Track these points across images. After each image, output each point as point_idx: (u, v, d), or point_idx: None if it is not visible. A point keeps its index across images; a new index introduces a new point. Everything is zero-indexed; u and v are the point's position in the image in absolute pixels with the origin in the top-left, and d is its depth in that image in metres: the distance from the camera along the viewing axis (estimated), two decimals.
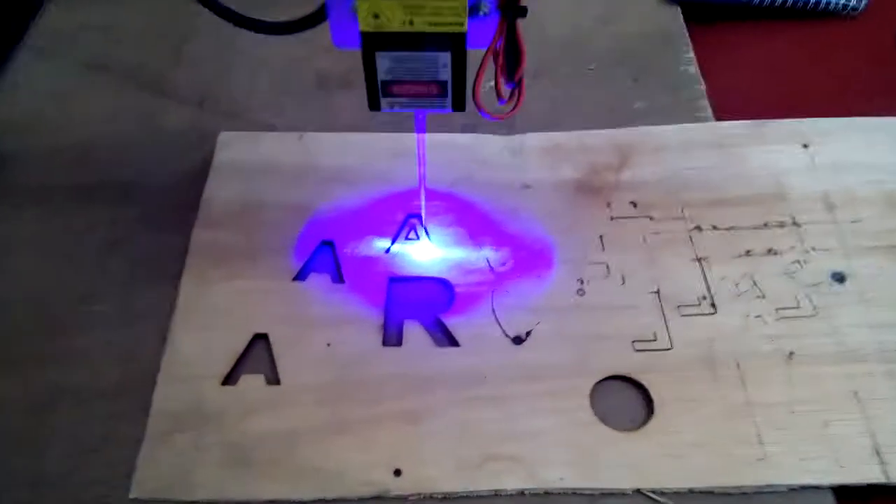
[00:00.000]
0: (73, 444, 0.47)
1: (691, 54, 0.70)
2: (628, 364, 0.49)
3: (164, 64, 0.71)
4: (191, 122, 0.66)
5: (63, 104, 0.68)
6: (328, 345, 0.51)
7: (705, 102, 0.65)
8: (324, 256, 0.56)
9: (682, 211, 0.57)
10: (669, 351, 0.50)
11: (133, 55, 0.72)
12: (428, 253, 0.56)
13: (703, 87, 0.67)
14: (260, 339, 0.51)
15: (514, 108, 0.43)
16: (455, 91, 0.42)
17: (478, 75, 0.41)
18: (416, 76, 0.41)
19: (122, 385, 0.50)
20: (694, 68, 0.68)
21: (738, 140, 0.61)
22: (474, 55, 0.41)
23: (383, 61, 0.40)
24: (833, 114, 0.63)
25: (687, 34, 0.72)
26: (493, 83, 0.42)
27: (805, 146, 0.60)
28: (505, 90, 0.42)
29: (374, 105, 0.42)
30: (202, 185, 0.59)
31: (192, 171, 0.61)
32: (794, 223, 0.56)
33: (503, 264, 0.55)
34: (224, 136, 0.63)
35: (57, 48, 0.73)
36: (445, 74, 0.41)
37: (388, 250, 0.56)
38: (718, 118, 0.64)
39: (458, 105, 0.43)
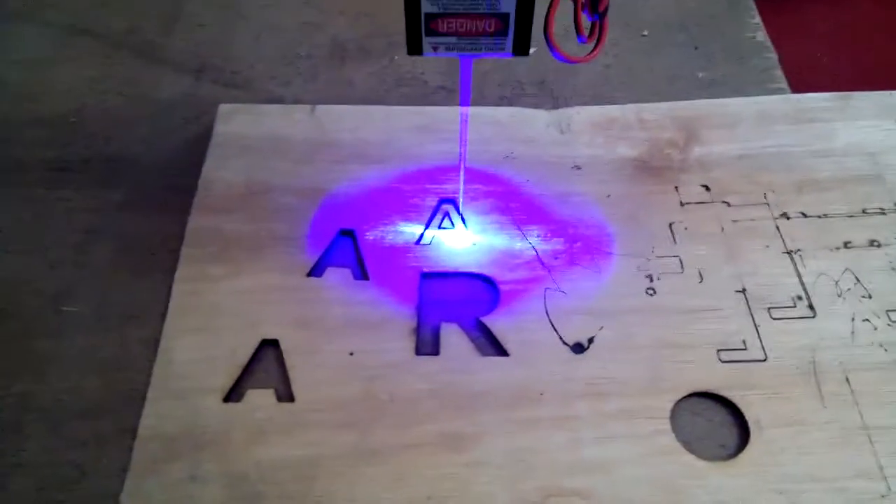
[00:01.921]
0: (43, 475, 0.39)
1: (758, 19, 0.62)
2: (714, 378, 0.41)
3: (157, 28, 0.63)
4: (187, 92, 0.58)
5: (42, 72, 0.60)
6: (351, 354, 0.42)
7: (779, 72, 0.57)
8: (343, 248, 0.47)
9: (765, 196, 0.49)
10: (764, 362, 0.41)
11: (122, 19, 0.63)
12: (466, 243, 0.47)
13: (774, 55, 0.58)
14: (269, 346, 0.43)
15: (595, 49, 0.35)
16: (518, 29, 0.33)
17: (551, 5, 0.33)
18: (471, 6, 0.32)
19: (104, 401, 0.42)
20: (762, 34, 0.60)
21: (823, 114, 0.53)
22: None
23: None
24: None
25: None
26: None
27: None
28: (586, 24, 0.34)
29: (414, 47, 0.34)
30: (200, 164, 0.51)
31: (188, 149, 0.53)
32: None
33: (555, 258, 0.46)
34: (225, 109, 0.54)
35: (36, 11, 0.64)
36: (508, 5, 0.32)
37: (419, 240, 0.47)
38: (794, 91, 0.56)
39: (521, 48, 0.34)
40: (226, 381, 0.41)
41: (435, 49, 0.34)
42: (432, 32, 0.33)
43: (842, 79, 0.57)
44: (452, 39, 0.34)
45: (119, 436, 0.40)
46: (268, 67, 0.60)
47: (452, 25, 0.33)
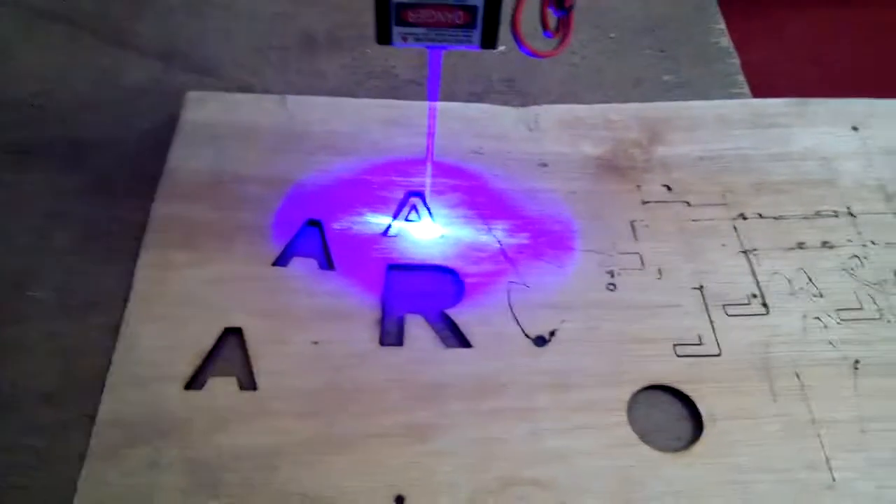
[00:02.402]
0: (1, 460, 0.39)
1: (723, 25, 0.63)
2: (671, 372, 0.42)
3: (126, 13, 0.62)
4: (155, 79, 0.57)
5: (6, 56, 0.58)
6: (315, 343, 0.42)
7: (741, 77, 0.59)
8: (310, 238, 0.47)
9: (724, 196, 0.50)
10: (718, 357, 0.43)
11: (90, 3, 0.62)
12: (432, 235, 0.48)
13: (737, 60, 0.60)
14: (232, 334, 0.43)
15: (561, 44, 0.35)
16: (486, 22, 0.34)
17: (518, 1, 0.33)
18: None
19: (64, 388, 0.41)
20: (727, 40, 0.62)
21: (781, 119, 0.55)
22: None
23: None
24: (879, 97, 0.56)
25: (717, 3, 0.64)
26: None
27: (855, 129, 0.54)
28: (552, 19, 0.34)
29: (383, 37, 0.34)
30: (166, 151, 0.50)
31: (155, 136, 0.53)
32: (850, 213, 0.49)
33: (520, 252, 0.47)
34: (193, 96, 0.54)
35: None
36: None
37: (385, 232, 0.48)
38: (755, 96, 0.57)
39: (489, 41, 0.35)
40: (188, 368, 0.41)
41: (405, 39, 0.34)
42: (403, 22, 0.34)
43: (804, 84, 0.58)
44: (422, 30, 0.34)
45: (80, 422, 0.39)
46: (238, 56, 0.59)
47: (422, 16, 0.33)
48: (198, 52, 0.59)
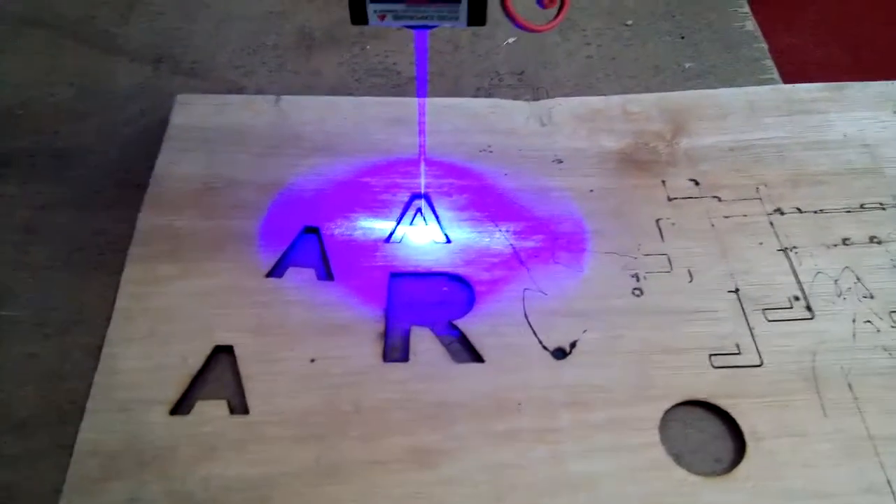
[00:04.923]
0: None
1: (746, 8, 0.59)
2: (706, 385, 0.38)
3: (113, 17, 0.59)
4: (144, 84, 0.54)
5: None
6: (312, 360, 0.39)
7: (769, 62, 0.54)
8: (307, 246, 0.44)
9: (757, 190, 0.46)
10: (759, 367, 0.38)
11: (76, 7, 0.60)
12: (438, 241, 0.44)
13: (764, 45, 0.56)
14: (223, 353, 0.39)
15: (557, 16, 0.32)
16: None
17: None
18: None
19: (39, 414, 0.38)
20: (752, 23, 0.57)
21: (817, 105, 0.50)
22: None
23: None
24: None
25: None
26: None
27: None
28: None
29: (358, 16, 0.31)
30: (153, 158, 0.47)
31: (143, 143, 0.50)
32: None
33: (535, 256, 0.43)
34: (183, 98, 0.50)
35: None
36: None
37: (388, 238, 0.44)
38: (786, 82, 0.53)
39: (477, 17, 0.31)
40: (174, 391, 0.38)
41: (382, 18, 0.31)
42: None
43: (833, 70, 0.54)
44: (400, 7, 0.30)
45: (53, 452, 0.36)
46: (230, 57, 0.56)
47: None
48: (188, 55, 0.56)
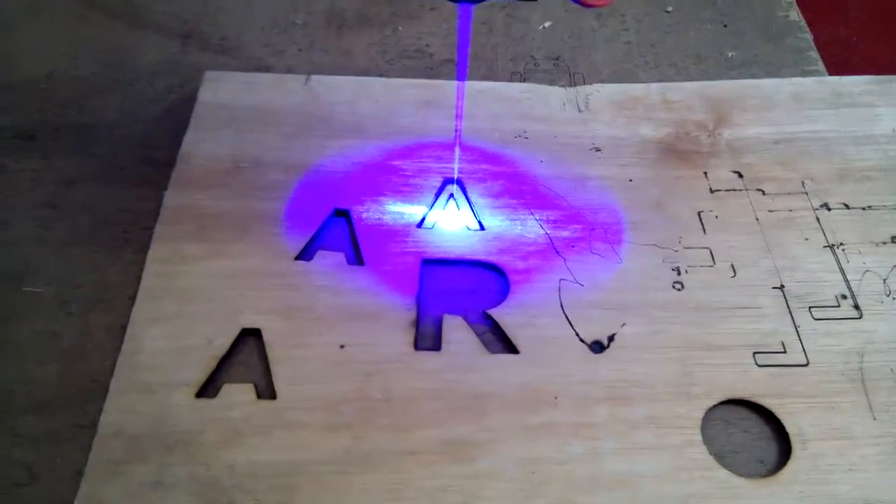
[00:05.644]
0: None
1: None
2: (750, 384, 0.36)
3: None
4: (171, 59, 0.53)
5: (11, 36, 0.54)
6: (342, 346, 0.38)
7: (814, 54, 0.53)
8: (336, 229, 0.43)
9: (803, 184, 0.44)
10: (805, 367, 0.37)
11: None
12: (472, 228, 0.43)
13: (809, 35, 0.54)
14: (250, 336, 0.38)
15: None
16: None
17: None
18: None
19: (61, 394, 0.37)
20: (796, 13, 0.56)
21: (864, 98, 0.49)
22: None
23: None
24: None
25: None
26: None
27: None
28: None
29: None
30: (181, 136, 0.46)
31: (169, 119, 0.48)
32: None
33: (571, 246, 0.42)
34: (211, 76, 0.49)
35: None
36: None
37: (420, 223, 0.43)
38: (831, 74, 0.52)
39: None
40: (200, 374, 0.37)
41: None
42: None
43: (880, 63, 0.52)
44: None
45: (75, 433, 0.35)
46: (260, 35, 0.55)
47: None
48: (217, 31, 0.55)
